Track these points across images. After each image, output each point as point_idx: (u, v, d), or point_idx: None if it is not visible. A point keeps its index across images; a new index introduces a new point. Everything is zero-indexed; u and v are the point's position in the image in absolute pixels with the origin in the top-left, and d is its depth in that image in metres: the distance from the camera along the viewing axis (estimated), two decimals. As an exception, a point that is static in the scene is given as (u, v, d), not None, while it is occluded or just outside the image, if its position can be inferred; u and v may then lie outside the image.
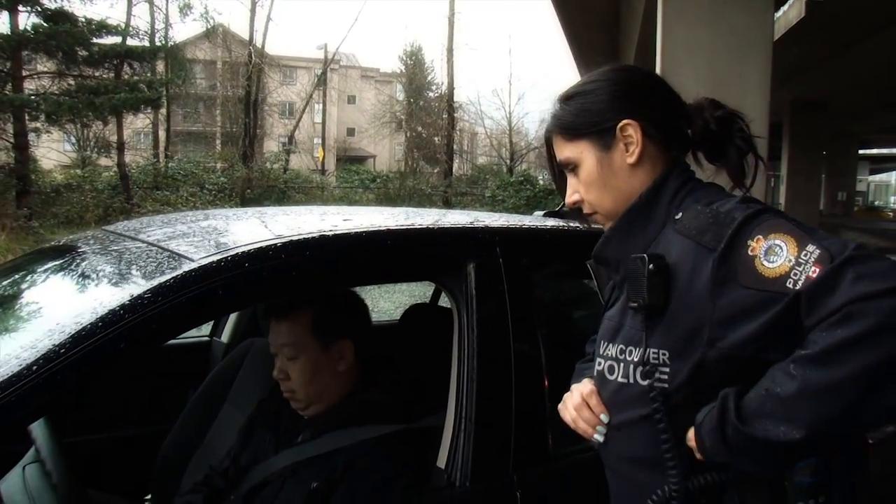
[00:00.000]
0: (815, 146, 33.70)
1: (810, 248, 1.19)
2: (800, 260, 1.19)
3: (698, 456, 1.30)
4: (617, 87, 1.46)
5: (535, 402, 1.83)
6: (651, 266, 1.31)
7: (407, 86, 48.14)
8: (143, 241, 1.87)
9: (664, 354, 1.33)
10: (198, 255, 1.61)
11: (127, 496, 2.52)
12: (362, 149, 55.08)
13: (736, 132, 1.45)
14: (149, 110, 26.26)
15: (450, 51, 38.58)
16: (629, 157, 1.43)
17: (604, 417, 1.45)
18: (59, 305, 1.69)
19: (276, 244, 1.65)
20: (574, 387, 1.54)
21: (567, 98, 1.50)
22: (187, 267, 1.56)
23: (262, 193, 27.45)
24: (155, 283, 1.50)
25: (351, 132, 55.54)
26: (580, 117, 1.46)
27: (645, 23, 17.95)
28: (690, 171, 1.49)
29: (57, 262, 1.98)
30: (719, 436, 1.25)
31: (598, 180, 1.46)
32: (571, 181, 1.51)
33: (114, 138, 26.31)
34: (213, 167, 29.42)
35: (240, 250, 1.61)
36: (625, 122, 1.43)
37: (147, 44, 26.45)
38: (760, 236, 1.24)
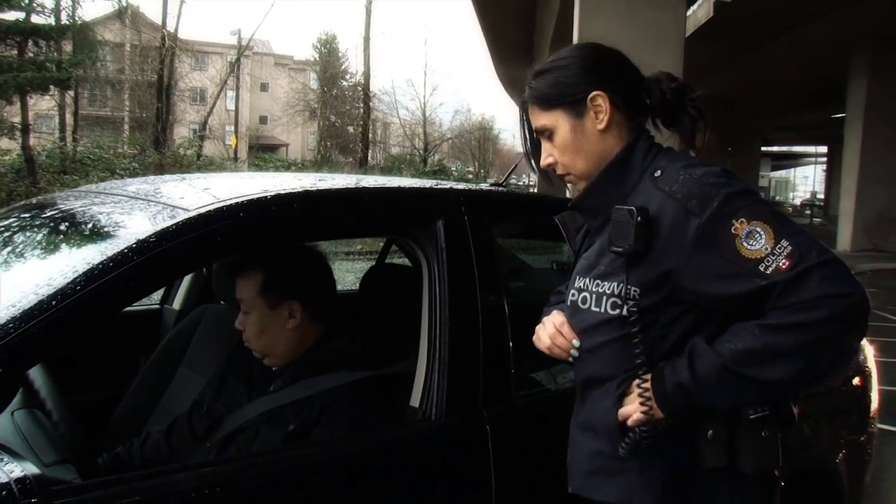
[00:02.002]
0: (722, 142, 34.94)
1: (784, 243, 1.43)
2: (774, 251, 1.43)
3: (650, 405, 1.52)
4: (586, 62, 1.67)
5: (500, 345, 2.01)
6: (639, 218, 1.50)
7: (321, 74, 47.75)
8: (134, 196, 1.96)
9: (636, 291, 1.54)
10: (192, 205, 1.72)
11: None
12: (275, 137, 54.41)
13: (688, 101, 1.67)
14: (54, 92, 25.37)
15: (366, 39, 38.54)
16: (599, 124, 1.64)
17: (575, 342, 1.66)
18: (68, 250, 1.78)
19: (266, 197, 1.78)
20: (545, 319, 1.75)
21: (541, 73, 1.70)
22: (185, 215, 1.67)
23: (176, 180, 26.73)
24: (159, 227, 1.62)
25: (263, 120, 54.77)
26: (555, 89, 1.66)
27: (561, 17, 18.35)
28: (652, 136, 1.70)
29: (55, 213, 2.04)
30: (690, 375, 1.48)
31: (572, 145, 1.66)
32: (546, 146, 1.71)
33: (14, 120, 25.24)
34: (123, 152, 28.59)
35: (233, 201, 1.73)
36: (595, 93, 1.63)
37: (53, 21, 25.45)
38: (744, 219, 1.46)
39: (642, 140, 1.66)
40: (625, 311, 1.55)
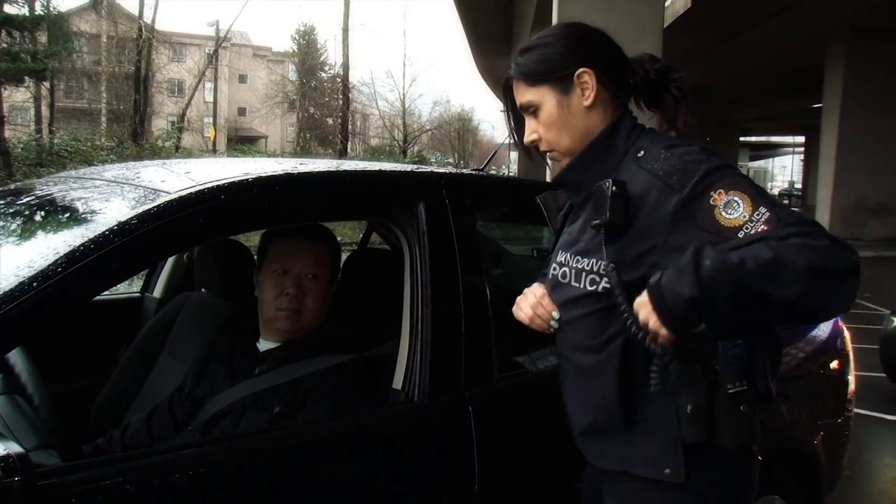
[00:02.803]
0: (701, 132, 35.14)
1: (762, 209, 1.45)
2: (753, 218, 1.44)
3: (643, 315, 1.45)
4: (572, 39, 1.69)
5: (482, 327, 2.01)
6: (614, 188, 1.52)
7: (300, 66, 47.52)
8: (115, 180, 1.95)
9: (612, 267, 1.56)
10: (173, 188, 1.71)
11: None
12: (254, 129, 54.15)
13: (671, 82, 1.69)
14: (29, 83, 25.08)
15: (345, 30, 38.29)
16: (585, 101, 1.65)
17: (555, 314, 1.70)
18: (48, 233, 1.78)
19: (247, 180, 1.77)
20: (526, 290, 1.78)
21: (527, 49, 1.71)
22: (166, 198, 1.66)
23: (154, 172, 26.50)
24: (140, 210, 1.61)
25: (242, 112, 54.49)
26: (541, 65, 1.67)
27: (539, 7, 18.36)
28: (635, 116, 1.72)
29: (35, 198, 2.02)
30: (693, 272, 1.37)
31: (558, 121, 1.67)
32: (530, 122, 1.72)
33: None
34: (101, 145, 28.30)
35: (214, 184, 1.72)
36: (581, 69, 1.64)
37: (27, 11, 25.09)
38: (722, 190, 1.47)
39: (626, 119, 1.68)
40: (600, 288, 1.58)
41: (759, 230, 1.42)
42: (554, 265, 1.72)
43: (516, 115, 1.78)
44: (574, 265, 1.65)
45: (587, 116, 1.66)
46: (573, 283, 1.65)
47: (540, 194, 1.87)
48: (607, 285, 1.56)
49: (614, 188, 1.52)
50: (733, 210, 1.45)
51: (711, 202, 1.47)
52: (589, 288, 1.61)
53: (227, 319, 2.51)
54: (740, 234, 1.43)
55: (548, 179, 1.96)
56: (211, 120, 39.41)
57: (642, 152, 1.59)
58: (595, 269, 1.59)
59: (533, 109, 1.70)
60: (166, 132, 33.45)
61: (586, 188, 1.64)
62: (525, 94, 1.70)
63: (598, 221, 1.55)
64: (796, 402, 2.71)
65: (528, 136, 1.72)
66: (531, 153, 1.78)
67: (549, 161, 1.77)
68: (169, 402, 2.24)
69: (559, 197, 1.82)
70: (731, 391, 1.53)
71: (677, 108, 1.68)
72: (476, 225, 2.12)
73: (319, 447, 1.76)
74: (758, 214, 1.44)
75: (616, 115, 1.68)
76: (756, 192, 1.47)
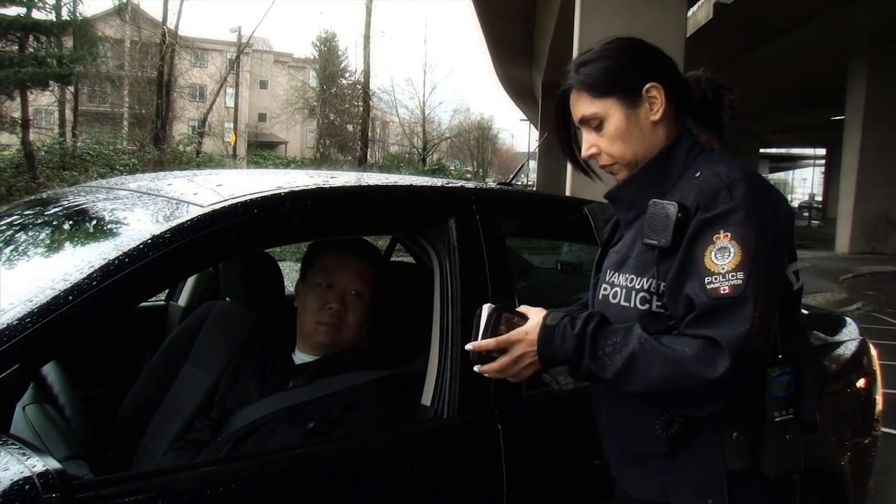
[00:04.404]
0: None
1: (739, 275, 1.42)
2: (727, 275, 1.43)
3: (519, 350, 1.62)
4: (636, 53, 1.68)
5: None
6: (680, 214, 1.50)
7: (320, 72, 47.71)
8: (147, 192, 1.96)
9: (664, 285, 1.54)
10: (206, 202, 1.72)
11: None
12: (274, 134, 54.41)
13: (726, 101, 1.69)
14: (54, 87, 25.33)
15: (366, 38, 38.47)
16: (653, 116, 1.64)
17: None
18: (83, 245, 1.78)
19: (279, 193, 1.78)
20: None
21: (588, 62, 1.67)
22: (199, 211, 1.67)
23: (175, 177, 26.63)
24: (174, 223, 1.61)
25: (262, 117, 54.84)
26: (609, 77, 1.64)
27: (561, 16, 18.34)
28: (694, 134, 1.70)
29: (69, 208, 2.04)
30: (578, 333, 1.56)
31: (624, 134, 1.64)
32: (590, 136, 1.69)
33: (14, 115, 25.16)
34: (123, 148, 28.53)
35: (247, 198, 1.73)
36: (651, 84, 1.63)
37: (54, 17, 25.37)
38: (728, 234, 1.45)
39: (685, 138, 1.66)
40: (653, 307, 1.56)
41: (723, 290, 1.42)
42: (605, 285, 1.68)
43: (567, 128, 1.75)
44: (625, 284, 1.61)
45: (653, 132, 1.64)
46: (623, 303, 1.61)
47: (588, 205, 1.85)
48: (660, 306, 1.54)
49: (680, 214, 1.50)
50: (721, 258, 1.44)
51: (714, 238, 1.46)
52: (641, 307, 1.57)
53: (252, 330, 2.52)
54: (707, 279, 1.44)
55: (568, 192, 1.94)
56: (232, 125, 39.69)
57: (699, 173, 1.57)
58: (646, 287, 1.57)
59: (596, 123, 1.66)
60: (187, 137, 33.66)
61: (638, 206, 1.62)
62: (589, 107, 1.66)
63: (655, 242, 1.53)
64: (822, 422, 2.68)
65: (588, 150, 1.69)
66: (583, 166, 1.77)
67: (600, 174, 1.76)
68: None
69: (608, 209, 1.79)
70: (777, 419, 1.51)
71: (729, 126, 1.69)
72: (505, 240, 2.12)
73: (348, 464, 1.75)
74: (731, 275, 1.43)
75: (676, 132, 1.66)
76: (752, 256, 1.44)
